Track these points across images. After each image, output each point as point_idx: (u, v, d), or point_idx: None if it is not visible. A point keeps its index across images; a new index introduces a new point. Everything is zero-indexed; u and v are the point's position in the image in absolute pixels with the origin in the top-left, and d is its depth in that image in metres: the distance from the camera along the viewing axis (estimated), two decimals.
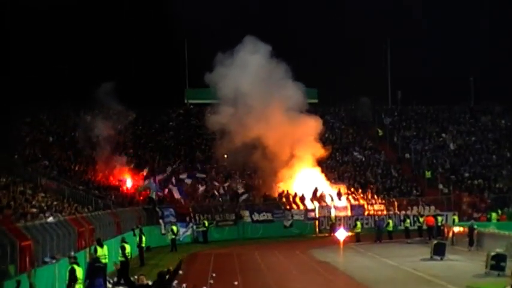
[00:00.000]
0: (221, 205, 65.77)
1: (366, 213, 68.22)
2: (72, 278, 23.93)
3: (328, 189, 70.83)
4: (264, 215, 64.88)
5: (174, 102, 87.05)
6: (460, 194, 71.90)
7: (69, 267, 24.54)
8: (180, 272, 36.44)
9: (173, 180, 68.43)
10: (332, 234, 59.40)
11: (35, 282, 20.11)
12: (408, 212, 67.34)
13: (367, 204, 69.69)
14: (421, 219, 60.92)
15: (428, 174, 76.19)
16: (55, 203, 44.24)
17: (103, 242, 33.80)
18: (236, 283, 33.19)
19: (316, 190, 69.40)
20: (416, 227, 60.63)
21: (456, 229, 53.03)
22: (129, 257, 36.27)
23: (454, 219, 61.40)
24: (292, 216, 65.77)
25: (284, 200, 68.41)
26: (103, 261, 31.86)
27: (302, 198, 68.40)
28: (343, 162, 79.33)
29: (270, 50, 72.26)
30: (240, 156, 71.13)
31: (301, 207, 67.30)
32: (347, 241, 51.69)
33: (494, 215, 63.91)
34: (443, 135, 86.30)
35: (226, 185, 69.80)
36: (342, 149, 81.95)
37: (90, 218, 38.75)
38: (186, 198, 66.23)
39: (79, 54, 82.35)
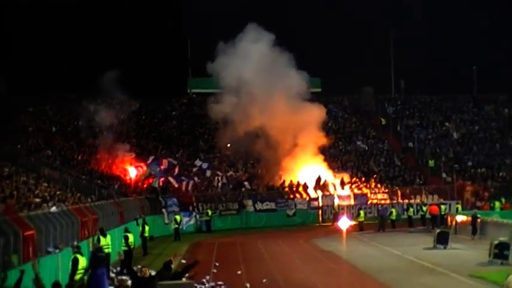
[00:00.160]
0: (224, 194, 65.81)
1: (369, 202, 68.22)
2: (75, 268, 23.93)
3: (331, 178, 70.84)
4: (267, 204, 64.86)
5: (177, 92, 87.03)
6: (464, 183, 71.84)
7: (72, 256, 24.55)
8: (184, 261, 36.59)
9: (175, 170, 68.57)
10: (335, 223, 59.41)
11: (40, 272, 20.09)
12: (411, 201, 67.34)
13: (371, 193, 69.73)
14: (424, 208, 60.95)
15: (431, 163, 76.15)
16: (58, 192, 44.35)
17: (106, 231, 33.84)
18: (239, 272, 33.21)
19: (319, 179, 69.40)
20: (419, 216, 60.69)
21: (459, 218, 53.02)
22: (132, 246, 36.28)
23: (457, 208, 61.38)
24: (295, 205, 65.76)
25: (287, 189, 68.43)
26: (106, 250, 31.92)
27: (305, 187, 68.40)
28: (346, 151, 79.32)
29: (273, 39, 72.27)
30: (243, 145, 71.22)
31: (304, 196, 67.29)
32: (350, 230, 51.78)
33: (497, 203, 63.84)
34: (447, 124, 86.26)
35: (228, 174, 69.75)
36: (345, 138, 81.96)
37: (93, 208, 38.74)
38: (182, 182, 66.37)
39: (82, 44, 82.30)
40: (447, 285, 29.59)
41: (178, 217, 55.58)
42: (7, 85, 72.53)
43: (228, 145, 72.81)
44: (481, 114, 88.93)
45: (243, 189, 67.41)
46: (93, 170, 64.20)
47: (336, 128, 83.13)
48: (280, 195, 67.06)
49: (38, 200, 38.35)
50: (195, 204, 62.52)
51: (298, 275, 32.95)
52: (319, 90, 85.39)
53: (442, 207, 59.58)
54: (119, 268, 32.16)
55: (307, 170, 70.66)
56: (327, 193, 68.11)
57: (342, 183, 70.05)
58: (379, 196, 69.42)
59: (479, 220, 47.98)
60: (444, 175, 74.02)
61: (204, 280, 29.12)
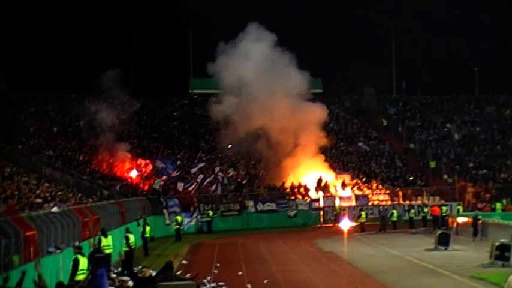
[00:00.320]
0: (225, 195, 65.81)
1: (371, 203, 68.20)
2: (76, 269, 23.91)
3: (332, 179, 70.83)
4: (268, 205, 64.85)
5: (178, 92, 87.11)
6: (465, 184, 71.83)
7: (73, 257, 24.54)
8: (185, 262, 36.65)
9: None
10: (336, 224, 59.41)
11: (42, 272, 20.12)
12: (413, 202, 67.33)
13: (372, 194, 69.72)
14: (425, 209, 60.96)
15: (433, 164, 76.11)
16: (59, 193, 44.31)
17: (107, 232, 33.84)
18: (240, 273, 33.22)
19: (320, 179, 69.39)
20: (420, 217, 60.66)
21: (460, 219, 53.00)
22: (133, 247, 36.30)
23: (458, 210, 61.30)
24: (296, 206, 65.74)
25: (288, 190, 68.44)
26: (107, 251, 31.95)
27: (306, 189, 68.39)
28: (347, 152, 79.31)
29: (275, 39, 72.30)
30: (244, 146, 71.27)
31: (306, 198, 67.25)
32: (351, 231, 51.71)
33: (498, 205, 63.84)
34: (448, 125, 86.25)
35: (229, 175, 69.69)
36: (346, 139, 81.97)
37: (94, 208, 38.75)
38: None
39: (83, 44, 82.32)
40: (448, 287, 29.56)
41: (179, 218, 55.56)
42: (8, 85, 72.54)
43: (230, 146, 72.81)
44: (482, 115, 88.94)
45: (244, 189, 67.39)
46: (95, 171, 64.20)
47: (338, 129, 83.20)
48: (281, 196, 67.06)
49: (39, 200, 38.36)
50: (196, 204, 62.56)
51: (299, 276, 32.94)
52: (320, 91, 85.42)
53: (443, 208, 59.63)
54: (119, 269, 32.13)
55: (308, 171, 70.62)
56: (329, 194, 68.09)
57: (343, 184, 70.06)
58: (381, 197, 69.42)
59: (480, 221, 47.99)
60: (445, 176, 74.02)
61: (205, 281, 29.10)
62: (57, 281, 21.27)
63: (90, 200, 46.51)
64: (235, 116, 70.50)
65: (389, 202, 68.04)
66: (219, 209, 63.05)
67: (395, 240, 49.48)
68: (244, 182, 68.85)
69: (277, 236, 55.03)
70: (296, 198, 66.94)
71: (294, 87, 71.48)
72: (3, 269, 21.32)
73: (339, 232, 49.53)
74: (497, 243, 35.32)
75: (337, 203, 66.51)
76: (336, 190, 69.23)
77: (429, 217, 59.54)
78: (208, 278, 30.29)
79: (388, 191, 70.35)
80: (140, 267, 27.46)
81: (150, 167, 67.52)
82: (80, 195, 47.24)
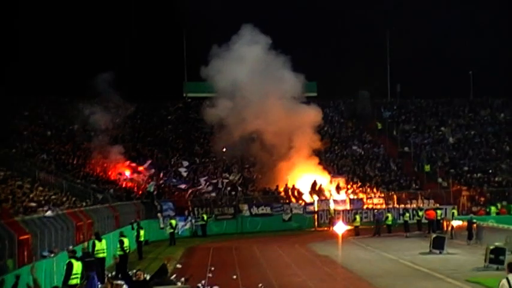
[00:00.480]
0: (220, 199, 65.74)
1: (365, 206, 68.19)
2: (69, 273, 23.82)
3: (327, 182, 70.81)
4: (262, 209, 64.78)
5: (172, 96, 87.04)
6: (459, 188, 71.87)
7: (67, 261, 24.47)
8: (179, 265, 36.59)
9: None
10: (331, 227, 59.38)
11: (37, 276, 20.05)
12: (407, 206, 67.34)
13: (366, 197, 69.69)
14: (420, 213, 60.96)
15: (427, 167, 76.17)
16: (53, 196, 44.20)
17: (101, 236, 33.75)
18: (235, 277, 33.16)
19: (315, 183, 69.35)
20: (415, 221, 60.65)
21: (455, 223, 53.02)
22: (127, 250, 36.19)
23: (453, 213, 61.34)
24: (291, 209, 65.67)
25: (283, 193, 68.41)
26: (101, 255, 31.89)
27: (300, 193, 68.37)
28: (342, 155, 79.29)
29: (270, 42, 72.30)
30: (239, 149, 71.21)
31: (300, 201, 67.20)
32: (346, 235, 51.67)
33: (493, 208, 64.02)
34: (443, 128, 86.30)
35: (225, 180, 69.57)
36: (341, 143, 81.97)
37: (88, 212, 38.68)
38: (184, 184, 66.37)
39: (77, 48, 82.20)
40: None
41: (173, 221, 55.52)
42: (2, 88, 72.34)
43: (224, 149, 72.75)
44: (477, 118, 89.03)
45: (238, 192, 67.34)
46: (89, 174, 64.09)
47: (332, 133, 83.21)
48: (276, 200, 67.03)
49: (33, 204, 38.26)
50: (190, 208, 62.48)
51: (294, 280, 32.89)
52: (315, 94, 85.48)
53: (438, 212, 59.67)
54: (114, 272, 32.07)
55: (302, 173, 70.60)
56: (323, 198, 68.05)
57: (338, 188, 70.04)
58: (375, 201, 69.39)
59: (475, 225, 48.03)
60: (440, 180, 74.06)
61: (200, 284, 29.05)
62: (51, 286, 21.21)
63: (84, 203, 46.40)
64: (229, 120, 70.44)
65: (384, 206, 68.01)
66: (214, 212, 62.96)
67: (389, 243, 49.48)
68: (238, 185, 68.80)
69: (272, 239, 55.02)
70: (290, 202, 66.91)
71: (288, 90, 71.45)
72: None
73: (334, 236, 49.53)
74: (491, 247, 35.36)
75: (332, 206, 66.46)
76: (330, 194, 69.18)
77: (424, 221, 59.53)
78: (203, 281, 30.25)
79: (382, 195, 70.34)
80: (134, 270, 27.36)
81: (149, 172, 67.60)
82: (73, 199, 47.10)
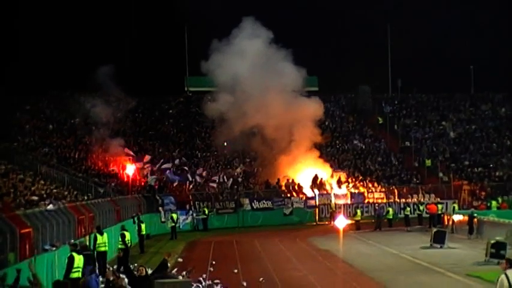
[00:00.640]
0: (221, 193, 65.77)
1: (366, 201, 68.23)
2: (71, 266, 23.86)
3: (327, 176, 70.82)
4: (264, 203, 64.80)
5: (174, 90, 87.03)
6: (460, 182, 71.86)
7: (68, 254, 24.51)
8: (180, 259, 36.64)
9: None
10: (332, 222, 59.40)
11: (36, 271, 20.09)
12: (408, 200, 67.37)
13: (367, 192, 69.70)
14: (421, 207, 60.99)
15: (428, 162, 76.17)
16: (55, 190, 44.27)
17: (103, 229, 33.81)
18: (236, 271, 33.17)
19: (316, 177, 69.36)
20: (416, 215, 60.67)
21: (456, 217, 53.03)
22: (129, 244, 36.25)
23: (454, 208, 61.33)
24: (292, 204, 65.70)
25: (284, 187, 68.45)
26: (102, 249, 31.96)
27: (300, 187, 68.40)
28: (343, 150, 79.30)
29: (271, 37, 72.28)
30: (240, 143, 71.21)
31: (301, 196, 67.23)
32: (347, 229, 51.67)
33: (494, 203, 64.00)
34: (444, 123, 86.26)
35: (222, 175, 69.54)
36: (342, 137, 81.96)
37: (90, 206, 38.75)
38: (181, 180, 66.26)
39: (78, 42, 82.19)
40: (444, 285, 29.60)
41: (175, 215, 55.58)
42: (3, 83, 72.42)
43: (225, 144, 72.75)
44: (477, 113, 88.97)
45: (239, 186, 67.41)
46: (90, 168, 64.15)
47: (333, 127, 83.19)
48: (277, 194, 67.05)
49: (34, 197, 38.33)
50: (191, 202, 62.51)
51: (295, 274, 32.95)
52: (316, 89, 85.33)
53: (439, 206, 59.71)
54: (115, 266, 32.12)
55: (303, 167, 70.63)
56: (324, 192, 68.06)
57: (339, 182, 70.06)
58: (376, 195, 69.41)
59: (476, 219, 48.03)
60: (441, 174, 74.05)
61: (201, 278, 29.08)
62: (54, 280, 21.25)
63: (86, 197, 46.48)
64: (230, 114, 70.45)
65: (385, 200, 68.06)
66: (215, 206, 63.01)
67: (390, 238, 49.50)
68: (240, 179, 68.86)
69: (273, 234, 55.03)
70: (292, 196, 66.93)
71: (289, 84, 71.39)
72: (0, 267, 21.33)
73: (335, 230, 49.51)
74: (492, 241, 35.38)
75: (333, 200, 66.49)
76: (331, 188, 69.20)
77: (425, 215, 59.57)
78: (204, 275, 30.28)
79: (383, 189, 70.36)
80: (136, 264, 27.44)
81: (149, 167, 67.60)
82: (75, 192, 47.20)
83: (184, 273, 27.71)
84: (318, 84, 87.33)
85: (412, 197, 68.59)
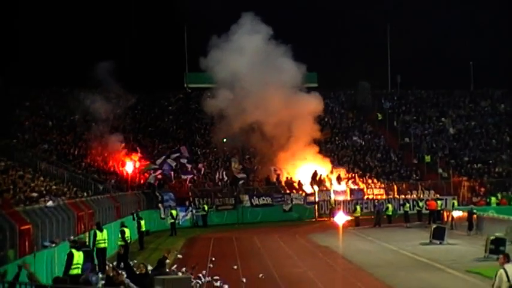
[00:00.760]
0: (220, 189, 65.79)
1: (366, 197, 68.27)
2: (70, 263, 23.85)
3: (327, 172, 70.83)
4: (263, 199, 64.86)
5: (173, 87, 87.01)
6: (460, 179, 71.90)
7: (68, 251, 24.51)
8: (180, 256, 36.62)
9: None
10: (331, 218, 59.42)
11: (34, 271, 20.11)
12: (408, 196, 67.39)
13: (367, 188, 69.75)
14: (420, 204, 61.03)
15: (427, 158, 76.19)
16: (54, 187, 44.26)
17: (102, 226, 33.82)
18: (235, 267, 33.13)
19: (315, 174, 69.37)
20: (415, 211, 60.69)
21: (455, 213, 53.04)
22: (128, 241, 36.26)
23: (453, 204, 61.37)
24: (291, 200, 65.75)
25: (283, 184, 68.48)
26: (102, 245, 31.97)
27: (300, 184, 68.41)
28: (342, 146, 79.34)
29: (270, 33, 72.29)
30: (239, 140, 71.22)
31: (301, 192, 67.26)
32: (346, 225, 51.69)
33: (493, 199, 63.98)
34: (443, 119, 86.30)
35: (222, 171, 69.52)
36: (341, 133, 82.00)
37: (89, 202, 38.75)
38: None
39: (78, 39, 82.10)
40: (443, 281, 29.59)
41: (174, 212, 55.62)
42: (3, 79, 72.34)
43: (224, 140, 72.72)
44: (477, 109, 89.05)
45: (240, 183, 67.41)
46: (90, 165, 64.16)
47: (333, 123, 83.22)
48: (276, 190, 67.09)
49: (34, 194, 38.32)
50: (191, 199, 62.55)
51: (295, 270, 32.97)
52: (315, 85, 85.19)
53: (438, 202, 59.74)
54: (115, 263, 32.13)
55: (303, 163, 70.64)
56: (323, 188, 68.08)
57: (339, 179, 70.08)
58: (376, 191, 69.47)
59: (475, 216, 48.06)
60: (440, 170, 74.09)
61: (200, 275, 29.07)
62: (54, 277, 21.25)
63: (85, 194, 46.48)
64: (229, 110, 70.47)
65: (384, 196, 68.11)
66: (214, 203, 63.05)
67: (390, 234, 49.51)
68: (240, 175, 68.85)
69: (272, 230, 55.03)
70: (291, 192, 66.96)
71: (288, 80, 71.38)
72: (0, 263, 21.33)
73: (334, 226, 49.50)
74: (492, 237, 35.40)
75: (332, 197, 66.53)
76: (331, 184, 69.23)
77: (424, 211, 59.60)
78: (204, 272, 30.28)
79: (383, 185, 70.40)
80: (136, 261, 27.45)
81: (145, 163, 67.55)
82: (75, 189, 47.19)
83: (184, 269, 27.71)
84: (317, 80, 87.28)
85: (411, 193, 68.70)
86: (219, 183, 67.10)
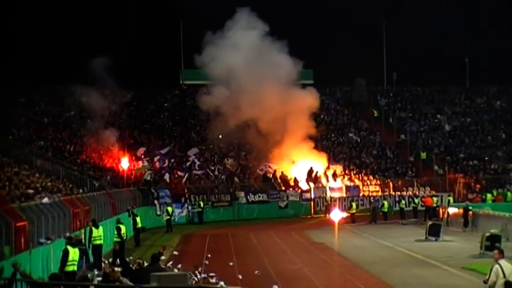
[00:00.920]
0: (216, 186, 65.78)
1: (361, 194, 68.27)
2: (65, 259, 23.83)
3: (323, 169, 70.81)
4: (259, 196, 64.84)
5: (169, 83, 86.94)
6: (455, 175, 71.93)
7: (63, 248, 24.50)
8: (176, 252, 36.68)
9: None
10: (327, 215, 59.41)
11: (30, 268, 20.14)
12: (403, 193, 67.43)
13: (363, 185, 69.76)
14: (416, 200, 61.09)
15: (423, 155, 76.21)
16: (50, 183, 44.20)
17: (98, 223, 33.80)
18: (231, 264, 33.22)
19: (311, 170, 69.35)
20: (411, 208, 60.75)
21: (451, 210, 53.11)
22: (124, 237, 36.25)
23: (449, 200, 61.46)
24: (287, 197, 65.74)
25: (279, 180, 68.48)
26: (98, 242, 31.96)
27: (296, 181, 68.39)
28: (338, 143, 79.32)
29: (266, 29, 72.24)
30: (235, 137, 71.20)
31: (297, 189, 67.26)
32: (342, 222, 51.70)
33: (489, 195, 64.15)
34: (439, 116, 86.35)
35: (218, 166, 69.56)
36: (337, 130, 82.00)
37: (85, 199, 38.72)
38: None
39: (74, 35, 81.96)
40: (439, 277, 29.63)
41: (170, 208, 55.56)
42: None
43: (220, 136, 72.66)
44: (473, 106, 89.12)
45: (235, 179, 67.41)
46: (85, 161, 64.08)
47: (328, 120, 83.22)
48: (272, 187, 67.09)
49: (30, 191, 38.27)
50: (187, 195, 62.52)
51: (290, 267, 32.98)
52: (311, 82, 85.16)
53: (434, 199, 59.80)
54: (111, 259, 32.14)
55: (298, 159, 70.64)
56: (319, 185, 68.09)
57: (334, 175, 70.06)
58: (371, 188, 69.50)
59: (471, 212, 48.13)
60: (436, 167, 74.14)
61: (196, 271, 29.11)
62: (50, 273, 21.25)
63: (81, 190, 46.44)
64: (225, 107, 70.43)
65: (380, 193, 68.16)
66: (210, 199, 63.03)
67: (386, 231, 49.57)
68: (236, 172, 68.89)
69: (268, 226, 55.06)
70: (287, 189, 66.95)
71: (284, 76, 71.30)
72: None
73: (330, 223, 49.55)
74: (487, 234, 35.46)
75: (328, 194, 66.53)
76: (327, 181, 69.23)
77: (420, 208, 59.67)
78: (200, 268, 30.30)
79: (378, 182, 70.45)
80: (131, 257, 27.45)
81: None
82: (70, 186, 47.13)
83: (179, 266, 27.75)
84: (313, 77, 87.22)
85: (407, 190, 68.74)
86: (216, 181, 67.11)
